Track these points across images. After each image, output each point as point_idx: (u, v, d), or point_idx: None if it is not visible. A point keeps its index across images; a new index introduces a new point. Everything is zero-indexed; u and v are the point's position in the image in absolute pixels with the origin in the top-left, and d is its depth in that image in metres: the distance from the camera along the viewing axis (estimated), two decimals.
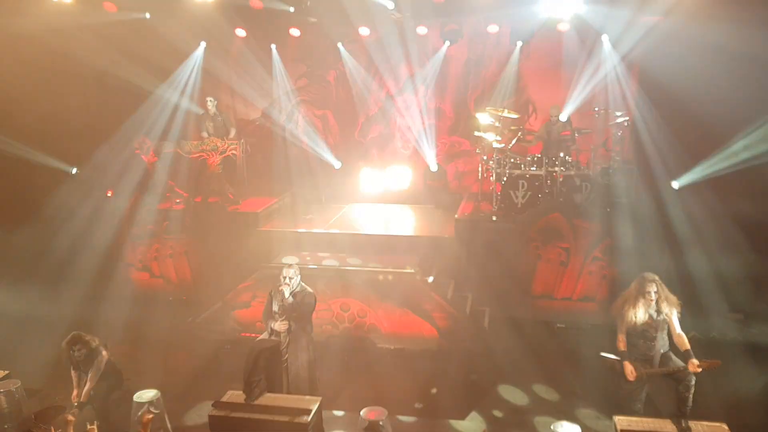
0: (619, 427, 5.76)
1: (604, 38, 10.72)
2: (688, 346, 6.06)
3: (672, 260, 8.94)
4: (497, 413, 7.11)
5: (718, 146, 9.68)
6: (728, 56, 8.93)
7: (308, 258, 9.38)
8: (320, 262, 9.20)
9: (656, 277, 6.23)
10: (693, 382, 6.01)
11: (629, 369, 6.13)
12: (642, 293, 6.16)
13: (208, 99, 11.19)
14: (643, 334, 6.17)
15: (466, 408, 7.17)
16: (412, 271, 8.76)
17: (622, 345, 6.24)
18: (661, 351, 6.22)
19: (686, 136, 9.90)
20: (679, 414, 6.02)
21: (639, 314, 6.12)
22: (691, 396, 6.00)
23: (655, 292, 6.12)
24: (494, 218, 9.80)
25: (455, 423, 6.95)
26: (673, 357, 6.19)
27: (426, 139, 12.35)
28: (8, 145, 10.64)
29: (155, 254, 10.62)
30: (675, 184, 9.98)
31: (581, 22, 10.65)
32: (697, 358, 5.92)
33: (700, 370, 5.88)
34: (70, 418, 5.14)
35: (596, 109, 10.46)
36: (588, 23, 10.63)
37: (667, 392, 6.58)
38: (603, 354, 6.41)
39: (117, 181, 11.15)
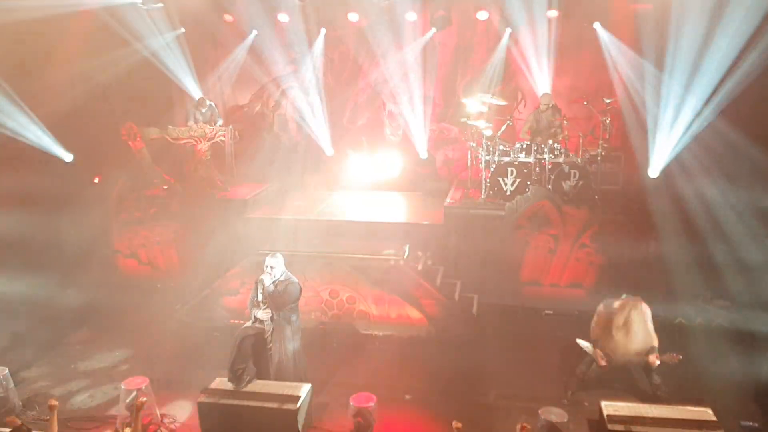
0: (605, 413, 5.82)
1: (596, 25, 10.72)
2: (654, 344, 6.52)
3: (659, 247, 8.99)
4: (485, 400, 7.14)
5: None
6: None
7: (296, 244, 9.35)
8: (309, 248, 9.18)
9: (612, 304, 6.73)
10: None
11: (599, 354, 6.53)
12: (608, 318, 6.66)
13: (208, 101, 11.19)
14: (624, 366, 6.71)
15: (454, 395, 7.21)
16: (401, 257, 8.77)
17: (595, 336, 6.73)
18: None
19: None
20: (652, 389, 6.52)
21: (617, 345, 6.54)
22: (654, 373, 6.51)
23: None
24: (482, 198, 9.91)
25: (443, 409, 6.98)
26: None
27: (415, 126, 12.32)
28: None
29: (143, 241, 10.55)
30: (652, 173, 10.00)
31: (570, 9, 10.64)
32: (682, 344, 6.27)
33: (658, 363, 6.41)
34: (54, 403, 5.15)
35: (585, 103, 10.47)
36: (577, 10, 10.63)
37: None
38: (578, 340, 6.85)
39: (104, 167, 11.06)
